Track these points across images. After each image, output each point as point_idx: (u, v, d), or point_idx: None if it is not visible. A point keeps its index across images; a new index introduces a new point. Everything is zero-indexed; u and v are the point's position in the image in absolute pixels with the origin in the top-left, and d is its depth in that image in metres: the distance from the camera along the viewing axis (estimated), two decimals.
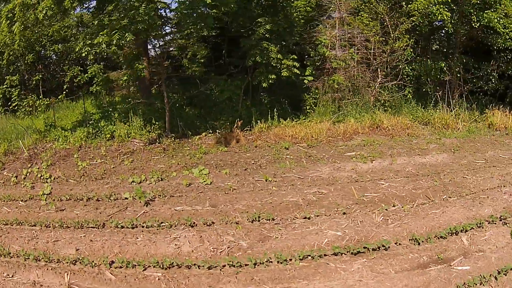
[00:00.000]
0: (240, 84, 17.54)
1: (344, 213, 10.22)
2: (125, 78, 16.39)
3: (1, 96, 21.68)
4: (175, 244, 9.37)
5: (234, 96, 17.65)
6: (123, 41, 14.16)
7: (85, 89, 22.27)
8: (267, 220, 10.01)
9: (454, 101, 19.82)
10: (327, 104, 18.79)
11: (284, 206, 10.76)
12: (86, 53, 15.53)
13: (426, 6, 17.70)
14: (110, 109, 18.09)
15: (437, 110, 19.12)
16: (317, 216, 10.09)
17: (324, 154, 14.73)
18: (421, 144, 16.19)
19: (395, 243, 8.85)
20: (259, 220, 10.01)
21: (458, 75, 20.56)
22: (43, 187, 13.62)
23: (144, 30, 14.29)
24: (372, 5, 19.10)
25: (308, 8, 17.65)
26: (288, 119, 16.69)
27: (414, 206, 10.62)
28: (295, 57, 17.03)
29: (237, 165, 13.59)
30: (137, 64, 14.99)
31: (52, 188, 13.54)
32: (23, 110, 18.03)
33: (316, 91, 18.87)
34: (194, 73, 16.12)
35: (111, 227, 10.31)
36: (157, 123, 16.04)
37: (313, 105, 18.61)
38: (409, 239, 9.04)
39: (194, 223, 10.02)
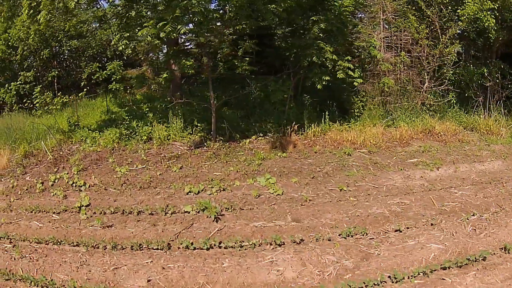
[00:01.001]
0: (290, 85, 14.77)
1: (431, 224, 8.95)
2: (165, 75, 13.67)
3: (15, 92, 18.55)
4: (277, 270, 7.45)
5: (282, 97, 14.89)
6: (175, 34, 11.49)
7: (103, 86, 19.20)
8: (361, 235, 8.45)
9: (492, 106, 17.76)
10: (375, 107, 16.62)
11: (373, 219, 9.17)
12: (123, 46, 12.80)
13: (475, 12, 15.96)
14: (147, 110, 15.41)
15: (480, 116, 17.12)
16: (408, 228, 8.76)
17: (389, 161, 12.73)
18: (474, 150, 14.31)
19: (490, 253, 7.91)
20: (352, 236, 8.39)
21: (497, 80, 18.43)
22: (79, 197, 10.91)
23: (199, 23, 11.77)
24: (420, 8, 17.11)
25: (352, 8, 15.12)
26: (337, 122, 14.98)
27: (490, 214, 9.48)
28: (350, 58, 14.80)
29: (302, 172, 11.46)
30: (183, 61, 12.38)
31: (90, 198, 10.73)
32: (46, 108, 14.91)
33: (363, 93, 16.37)
34: (245, 72, 13.42)
35: (179, 248, 8.28)
36: (199, 124, 13.72)
37: (361, 108, 16.24)
38: (500, 248, 8.11)
39: (282, 242, 8.14)
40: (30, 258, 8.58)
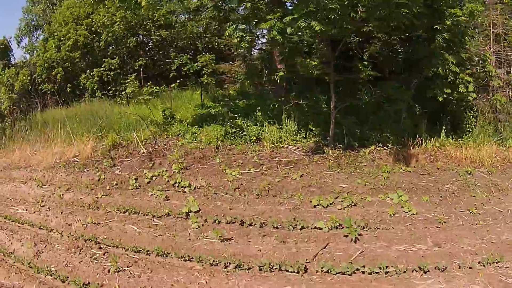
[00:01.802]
0: (411, 95, 12.86)
1: None
2: (281, 74, 11.80)
3: (97, 79, 16.86)
4: None
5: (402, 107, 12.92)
6: (307, 31, 9.89)
7: (193, 79, 17.40)
8: (496, 263, 7.31)
9: None
10: (485, 124, 14.43)
11: (506, 246, 7.88)
12: (238, 39, 10.98)
13: None
14: (246, 107, 13.78)
15: None
16: None
17: (507, 183, 10.75)
18: None
19: None
20: (490, 264, 7.30)
21: None
22: (185, 201, 9.15)
23: (333, 21, 9.76)
24: None
25: (467, 18, 12.96)
26: (450, 137, 12.82)
27: None
28: (470, 71, 13.00)
29: (430, 190, 9.72)
30: (308, 60, 10.91)
31: (198, 203, 8.89)
32: (139, 98, 13.10)
33: (475, 109, 14.58)
34: (369, 77, 11.67)
35: (318, 272, 6.93)
36: (313, 128, 11.80)
37: (473, 124, 14.24)
38: None
39: (427, 269, 6.99)
40: (130, 273, 7.03)
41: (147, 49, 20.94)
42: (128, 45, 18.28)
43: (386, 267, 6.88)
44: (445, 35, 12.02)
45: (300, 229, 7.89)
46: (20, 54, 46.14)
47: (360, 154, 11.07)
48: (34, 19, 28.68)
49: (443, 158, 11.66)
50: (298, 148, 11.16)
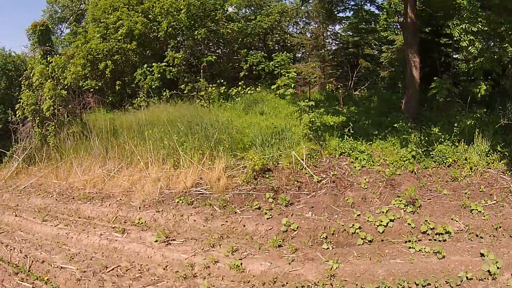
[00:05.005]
0: None
1: None
2: (484, 87, 9.34)
3: (159, 75, 12.64)
4: None
5: None
6: None
7: (263, 80, 13.98)
8: None
9: None
10: None
11: None
12: (466, 42, 8.64)
13: None
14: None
15: None
16: None
17: None
18: None
19: None
20: None
21: None
22: (478, 258, 6.16)
23: None
24: None
25: None
26: None
27: None
28: None
29: None
30: None
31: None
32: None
33: None
34: None
35: None
36: (501, 150, 9.20)
37: None
38: None
39: None
40: None
41: (211, 44, 16.75)
42: (196, 37, 14.17)
43: None
44: None
45: None
46: None
47: None
48: (59, 10, 23.29)
49: None
50: (498, 171, 8.73)
